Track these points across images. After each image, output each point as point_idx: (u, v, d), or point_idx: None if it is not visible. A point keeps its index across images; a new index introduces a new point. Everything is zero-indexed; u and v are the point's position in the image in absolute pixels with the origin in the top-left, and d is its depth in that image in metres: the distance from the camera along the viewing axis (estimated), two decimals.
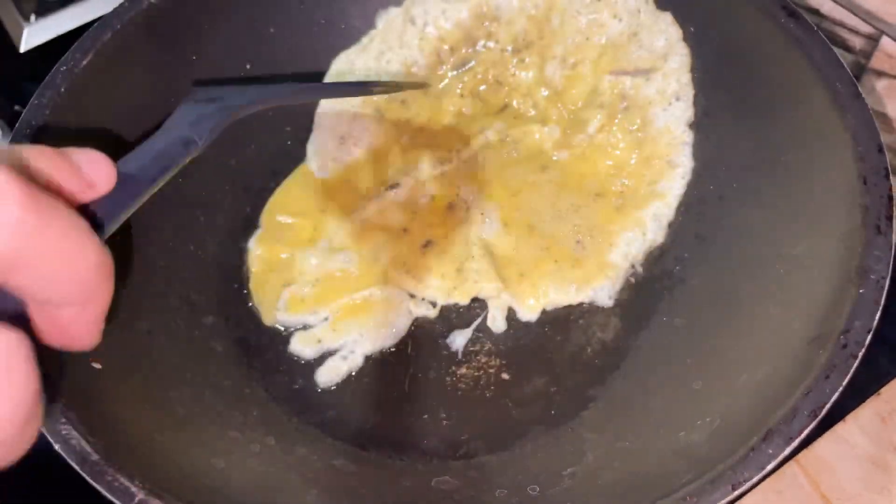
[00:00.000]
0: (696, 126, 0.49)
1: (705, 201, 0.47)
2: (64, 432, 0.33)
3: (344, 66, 0.54)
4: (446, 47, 0.54)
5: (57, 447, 0.33)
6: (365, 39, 0.55)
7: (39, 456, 0.47)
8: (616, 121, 0.51)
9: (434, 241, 0.50)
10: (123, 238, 0.44)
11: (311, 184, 0.53)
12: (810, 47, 0.41)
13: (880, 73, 0.47)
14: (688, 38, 0.48)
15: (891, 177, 0.36)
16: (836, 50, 0.40)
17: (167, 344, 0.43)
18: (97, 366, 0.38)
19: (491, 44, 0.54)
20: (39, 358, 0.21)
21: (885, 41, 0.46)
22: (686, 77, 0.49)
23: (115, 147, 0.45)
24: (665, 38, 0.49)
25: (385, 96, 0.54)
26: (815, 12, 0.49)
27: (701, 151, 0.48)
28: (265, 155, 0.53)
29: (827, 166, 0.39)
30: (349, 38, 0.55)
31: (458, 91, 0.54)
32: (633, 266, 0.49)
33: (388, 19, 0.54)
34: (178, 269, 0.47)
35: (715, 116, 0.48)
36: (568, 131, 0.52)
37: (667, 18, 0.49)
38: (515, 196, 0.51)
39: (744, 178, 0.45)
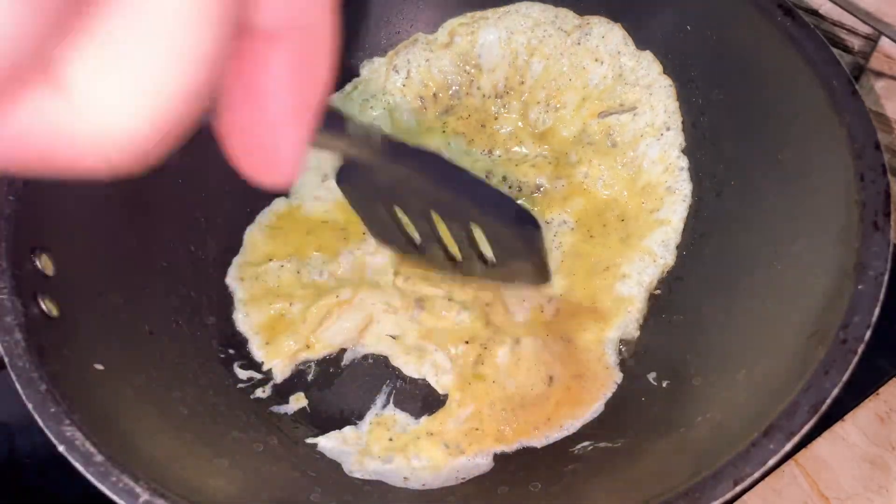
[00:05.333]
0: (693, 126, 0.49)
1: (703, 199, 0.48)
2: (68, 434, 0.33)
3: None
4: (429, 93, 0.53)
5: (61, 449, 0.33)
6: (348, 87, 0.54)
7: (42, 457, 0.47)
8: (607, 156, 0.50)
9: (425, 299, 0.47)
10: (124, 239, 0.44)
11: (293, 219, 0.51)
12: (806, 45, 0.41)
13: (879, 74, 0.48)
14: (684, 37, 0.48)
15: (889, 176, 0.37)
16: (835, 50, 0.40)
17: (169, 344, 0.43)
18: (100, 367, 0.38)
19: (474, 89, 0.53)
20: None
21: (883, 42, 0.46)
22: (673, 106, 0.49)
23: None
24: (648, 74, 0.50)
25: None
26: (814, 13, 0.49)
27: (698, 152, 0.49)
28: None
29: (824, 163, 0.39)
30: (347, 38, 0.55)
31: (443, 131, 0.53)
32: (650, 293, 0.47)
33: (372, 69, 0.54)
34: (179, 269, 0.47)
35: (712, 115, 0.48)
36: (558, 172, 0.50)
37: (647, 56, 0.50)
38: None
39: (741, 175, 0.45)
